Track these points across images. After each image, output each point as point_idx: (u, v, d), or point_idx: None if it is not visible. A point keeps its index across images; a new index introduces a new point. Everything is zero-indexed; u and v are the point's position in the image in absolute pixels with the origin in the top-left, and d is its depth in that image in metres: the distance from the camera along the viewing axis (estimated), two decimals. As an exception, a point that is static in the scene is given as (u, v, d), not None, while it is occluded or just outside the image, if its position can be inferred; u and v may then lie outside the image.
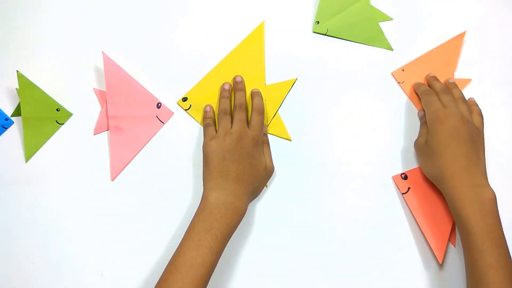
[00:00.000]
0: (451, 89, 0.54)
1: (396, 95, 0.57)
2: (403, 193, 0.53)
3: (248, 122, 0.52)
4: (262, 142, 0.52)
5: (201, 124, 0.56)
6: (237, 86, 0.55)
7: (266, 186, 0.54)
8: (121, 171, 0.55)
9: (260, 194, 0.53)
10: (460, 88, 0.56)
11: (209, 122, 0.54)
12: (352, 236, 0.53)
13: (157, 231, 0.54)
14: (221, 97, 0.54)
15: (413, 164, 0.55)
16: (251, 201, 0.51)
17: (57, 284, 0.53)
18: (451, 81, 0.55)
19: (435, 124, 0.49)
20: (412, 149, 0.55)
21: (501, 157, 0.55)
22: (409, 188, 0.53)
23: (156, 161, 0.56)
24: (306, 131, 0.56)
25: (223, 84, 0.55)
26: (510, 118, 0.57)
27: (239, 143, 0.49)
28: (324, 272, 0.52)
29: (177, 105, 0.57)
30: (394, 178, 0.54)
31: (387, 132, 0.56)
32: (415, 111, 0.57)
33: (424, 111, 0.53)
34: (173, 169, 0.55)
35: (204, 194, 0.48)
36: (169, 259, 0.44)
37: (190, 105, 0.56)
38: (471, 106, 0.53)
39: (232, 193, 0.47)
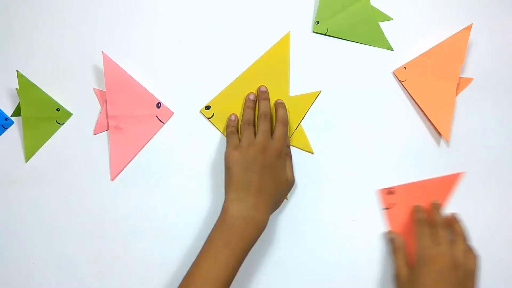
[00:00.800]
0: (452, 223, 0.52)
1: (396, 95, 0.57)
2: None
3: (271, 133, 0.51)
4: (285, 154, 0.51)
5: (223, 133, 0.55)
6: (262, 95, 0.54)
7: (287, 199, 0.54)
8: (121, 171, 0.55)
9: (280, 206, 0.52)
10: (461, 87, 0.56)
11: (233, 130, 0.53)
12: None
13: (157, 231, 0.54)
14: (245, 107, 0.54)
15: (414, 164, 0.55)
16: (271, 213, 0.50)
17: (57, 284, 0.53)
18: (452, 215, 0.53)
19: (421, 263, 0.47)
20: (413, 150, 0.55)
21: (502, 157, 0.55)
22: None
23: (156, 161, 0.56)
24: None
25: (248, 94, 0.54)
26: (510, 118, 0.57)
27: (262, 155, 0.48)
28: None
29: (200, 113, 0.56)
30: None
31: (388, 132, 0.56)
32: (417, 110, 0.56)
33: (394, 234, 0.52)
34: (173, 169, 0.55)
35: (225, 206, 0.47)
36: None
37: (213, 113, 0.56)
38: (468, 249, 0.50)
39: (253, 206, 0.46)
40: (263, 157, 0.48)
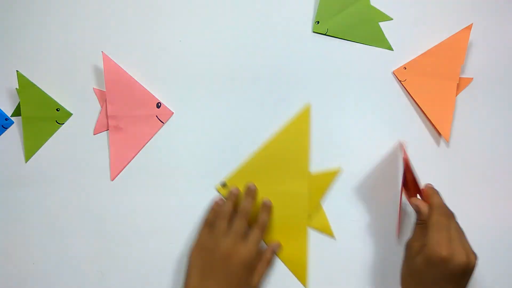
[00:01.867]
0: (430, 196, 0.48)
1: (396, 95, 0.57)
2: None
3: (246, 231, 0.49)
4: (255, 261, 0.47)
5: None
6: (248, 192, 0.51)
7: None
8: (121, 171, 0.55)
9: None
10: (461, 87, 0.56)
11: (211, 219, 0.50)
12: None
13: (157, 231, 0.54)
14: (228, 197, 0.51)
15: (414, 164, 0.55)
16: None
17: (57, 284, 0.53)
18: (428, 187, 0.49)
19: (435, 257, 0.42)
20: (413, 150, 0.55)
21: (501, 157, 0.55)
22: None
23: (156, 161, 0.56)
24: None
25: (248, 185, 0.52)
26: (510, 118, 0.57)
27: (226, 261, 0.45)
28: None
29: (217, 191, 0.54)
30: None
31: (388, 132, 0.56)
32: (417, 110, 0.56)
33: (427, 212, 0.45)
34: (173, 169, 0.55)
35: None
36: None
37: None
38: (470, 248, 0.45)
39: None
40: (226, 264, 0.45)
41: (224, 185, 0.53)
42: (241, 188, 0.53)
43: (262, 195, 0.53)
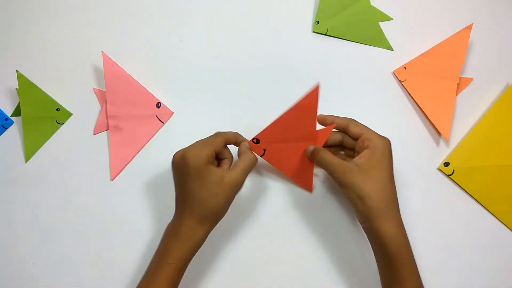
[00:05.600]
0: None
1: (396, 95, 0.57)
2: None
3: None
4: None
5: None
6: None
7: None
8: (121, 171, 0.55)
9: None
10: (461, 87, 0.57)
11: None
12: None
13: (157, 231, 0.54)
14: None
15: (415, 164, 0.55)
16: (207, 222, 0.44)
17: (57, 284, 0.53)
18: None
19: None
20: (413, 149, 0.55)
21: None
22: None
23: (156, 161, 0.56)
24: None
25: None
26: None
27: (179, 162, 0.45)
28: None
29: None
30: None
31: (388, 132, 0.56)
32: (417, 110, 0.56)
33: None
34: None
35: None
36: None
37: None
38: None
39: (177, 218, 0.45)
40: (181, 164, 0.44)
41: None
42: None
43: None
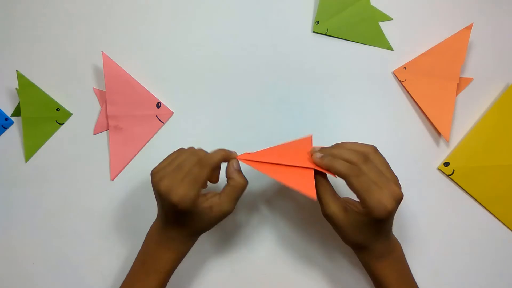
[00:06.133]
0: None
1: (396, 95, 0.57)
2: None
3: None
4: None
5: None
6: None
7: None
8: (121, 171, 0.55)
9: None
10: (461, 87, 0.57)
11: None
12: None
13: (157, 231, 0.54)
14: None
15: (415, 164, 0.55)
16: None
17: (57, 284, 0.53)
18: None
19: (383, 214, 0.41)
20: (413, 149, 0.55)
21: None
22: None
23: (156, 161, 0.55)
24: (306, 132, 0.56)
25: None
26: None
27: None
28: None
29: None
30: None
31: (388, 132, 0.56)
32: (417, 110, 0.57)
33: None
34: (173, 169, 0.55)
35: None
36: None
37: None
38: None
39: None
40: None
41: (446, 164, 0.51)
42: None
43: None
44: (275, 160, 0.44)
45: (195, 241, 0.46)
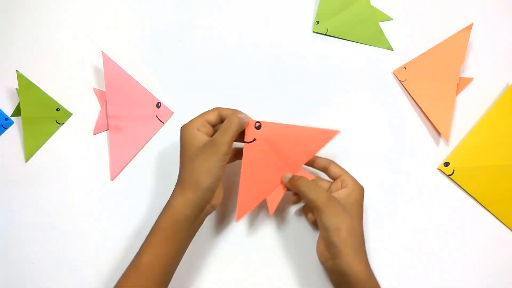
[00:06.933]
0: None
1: (396, 95, 0.57)
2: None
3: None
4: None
5: None
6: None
7: None
8: (121, 171, 0.55)
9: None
10: (461, 87, 0.57)
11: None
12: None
13: (157, 231, 0.54)
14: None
15: (415, 164, 0.55)
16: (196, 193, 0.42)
17: (57, 284, 0.53)
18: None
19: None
20: (413, 149, 0.55)
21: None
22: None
23: (156, 161, 0.56)
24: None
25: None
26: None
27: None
28: None
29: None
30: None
31: (388, 132, 0.56)
32: (417, 110, 0.57)
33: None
34: (173, 169, 0.55)
35: None
36: None
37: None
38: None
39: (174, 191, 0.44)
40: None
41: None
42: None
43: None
44: (274, 145, 0.46)
45: (188, 199, 0.42)
